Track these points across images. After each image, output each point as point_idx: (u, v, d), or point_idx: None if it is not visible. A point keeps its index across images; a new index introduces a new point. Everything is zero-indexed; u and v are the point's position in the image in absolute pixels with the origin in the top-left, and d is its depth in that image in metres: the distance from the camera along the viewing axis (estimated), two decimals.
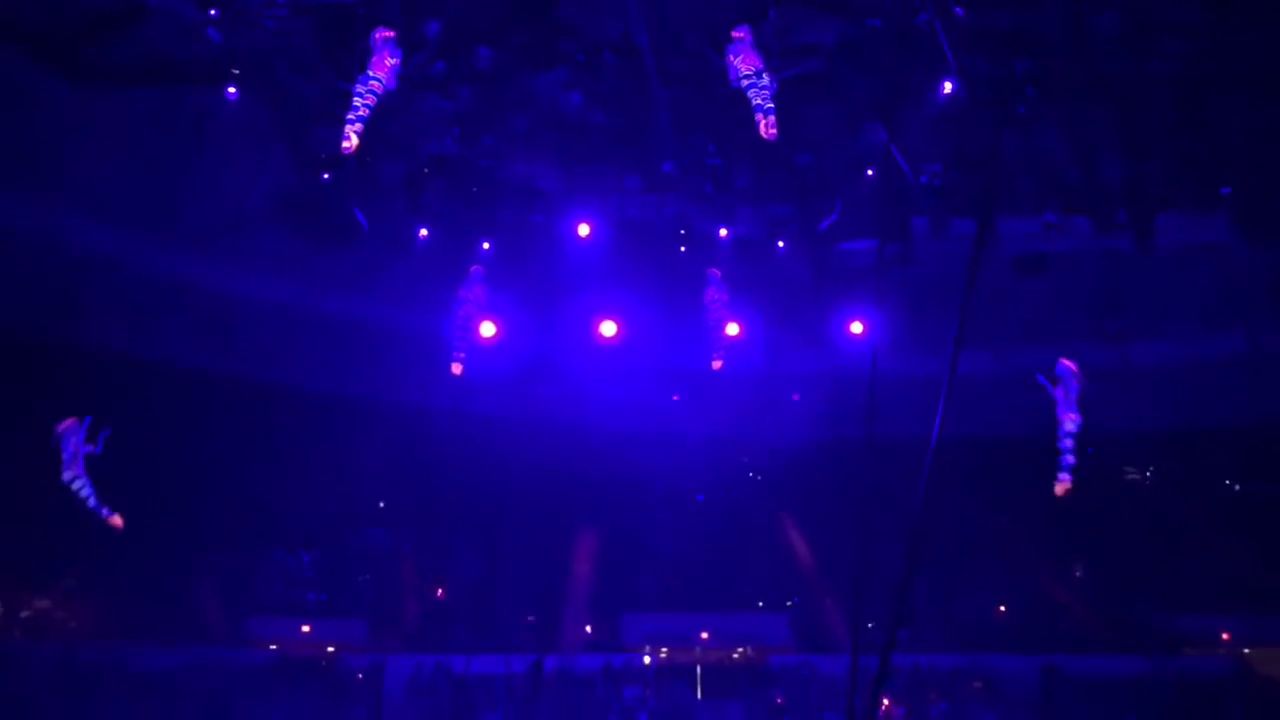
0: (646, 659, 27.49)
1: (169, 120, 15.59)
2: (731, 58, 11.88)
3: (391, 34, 11.39)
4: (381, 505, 29.38)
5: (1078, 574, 28.07)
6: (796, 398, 23.23)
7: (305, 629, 28.54)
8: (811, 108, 14.63)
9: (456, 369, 16.46)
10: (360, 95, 10.94)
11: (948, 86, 14.25)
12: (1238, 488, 27.14)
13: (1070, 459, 14.14)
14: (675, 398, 22.02)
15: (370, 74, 11.14)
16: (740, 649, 28.87)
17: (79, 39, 13.88)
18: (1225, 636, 27.49)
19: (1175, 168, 16.34)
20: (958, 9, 12.95)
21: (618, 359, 19.25)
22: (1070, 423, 14.49)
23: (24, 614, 27.38)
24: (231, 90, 14.07)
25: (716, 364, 16.32)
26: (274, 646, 27.88)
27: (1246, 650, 27.22)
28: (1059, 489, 14.02)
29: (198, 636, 26.94)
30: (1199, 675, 26.13)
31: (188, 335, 20.99)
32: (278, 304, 19.53)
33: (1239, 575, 25.74)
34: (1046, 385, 14.69)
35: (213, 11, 12.71)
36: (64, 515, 24.02)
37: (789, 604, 30.09)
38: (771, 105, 11.45)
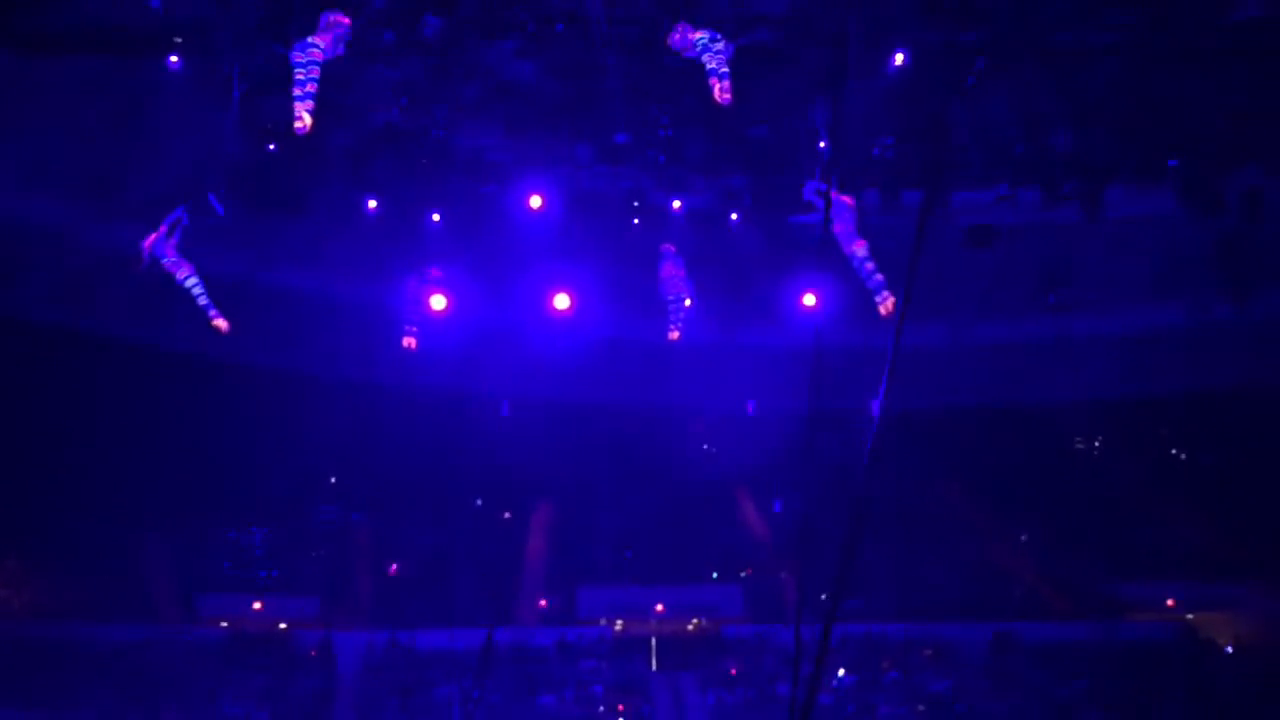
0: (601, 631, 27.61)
1: (110, 90, 15.27)
2: (682, 28, 11.82)
3: (344, 20, 11.19)
4: (333, 481, 29.23)
5: (1026, 542, 28.43)
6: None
7: (257, 606, 28.40)
8: (763, 79, 14.58)
9: (409, 343, 16.30)
10: (304, 67, 10.75)
11: (899, 58, 14.23)
12: (1183, 456, 27.55)
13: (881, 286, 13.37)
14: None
15: (309, 41, 10.95)
16: (695, 620, 29.04)
17: (17, 5, 13.56)
18: (1170, 602, 28.02)
19: (1122, 140, 16.40)
20: None
21: (571, 330, 19.16)
22: (861, 249, 13.62)
23: None
24: (174, 59, 13.79)
25: (673, 334, 16.26)
26: (225, 624, 27.74)
27: (1190, 615, 27.75)
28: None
29: (149, 614, 26.76)
30: (1145, 640, 26.63)
31: (131, 309, 20.63)
32: (223, 277, 19.17)
33: (1183, 542, 26.19)
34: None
35: None
36: (9, 492, 23.79)
37: (742, 575, 30.28)
38: (726, 70, 11.40)
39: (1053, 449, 27.03)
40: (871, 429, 12.48)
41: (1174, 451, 27.70)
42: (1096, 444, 28.44)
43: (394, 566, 28.81)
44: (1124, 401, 25.08)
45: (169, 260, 12.55)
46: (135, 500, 25.58)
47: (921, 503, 27.20)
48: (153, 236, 12.64)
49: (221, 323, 12.72)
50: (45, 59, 14.59)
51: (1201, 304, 21.71)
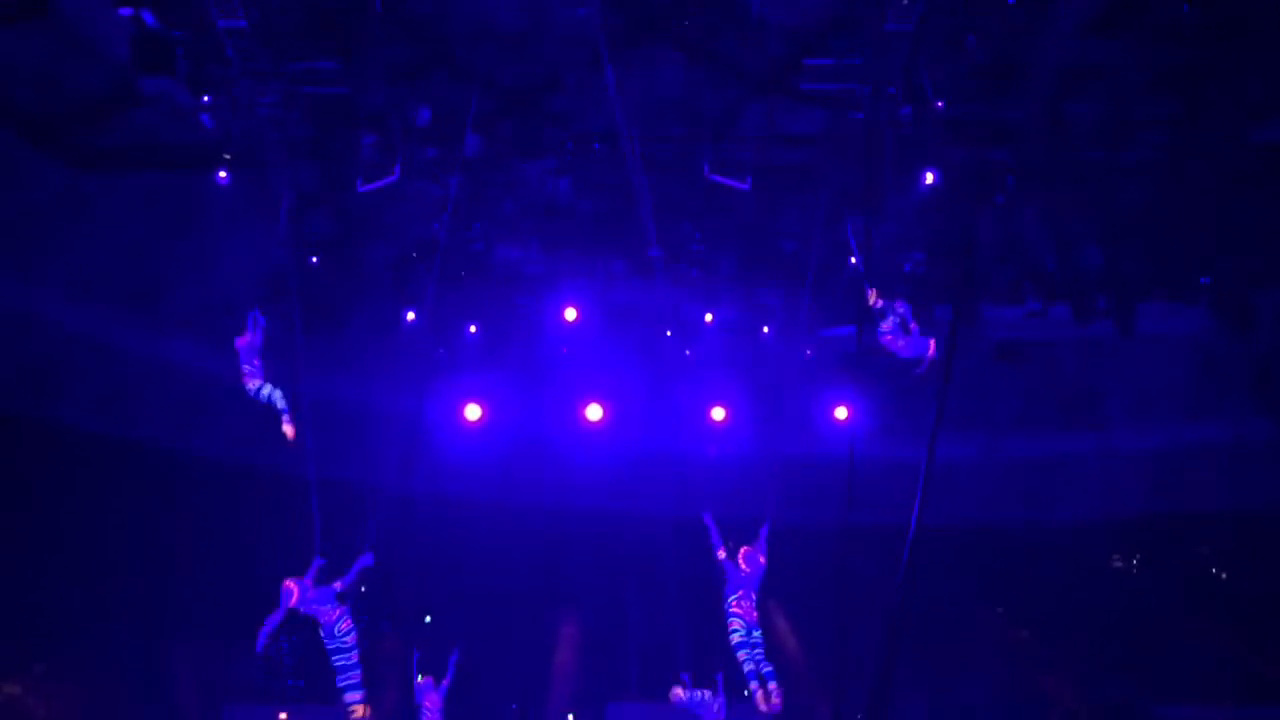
0: None
1: (158, 202, 15.74)
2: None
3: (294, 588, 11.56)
4: (363, 590, 29.16)
5: (1063, 663, 27.88)
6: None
7: (283, 717, 28.12)
8: (796, 196, 14.91)
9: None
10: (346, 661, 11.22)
11: (929, 177, 14.51)
12: (1223, 576, 27.11)
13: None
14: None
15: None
16: None
17: (71, 121, 14.07)
18: None
19: (1154, 256, 16.54)
20: (938, 102, 13.24)
21: (604, 442, 19.27)
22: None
23: None
24: (223, 175, 14.25)
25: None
26: None
27: None
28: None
29: None
30: None
31: (169, 416, 20.95)
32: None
33: (1224, 664, 25.64)
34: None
35: (206, 98, 12.91)
36: (36, 598, 23.88)
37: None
38: (771, 669, 11.82)
39: (1089, 568, 26.64)
40: (906, 545, 12.43)
41: (1214, 571, 27.24)
42: (1135, 563, 28.03)
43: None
44: (1162, 520, 24.80)
45: (249, 368, 12.47)
46: (165, 609, 25.57)
47: (956, 622, 26.82)
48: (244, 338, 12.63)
49: (289, 429, 12.58)
50: (97, 173, 15.07)
51: (1238, 422, 21.62)
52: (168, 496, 24.25)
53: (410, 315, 17.09)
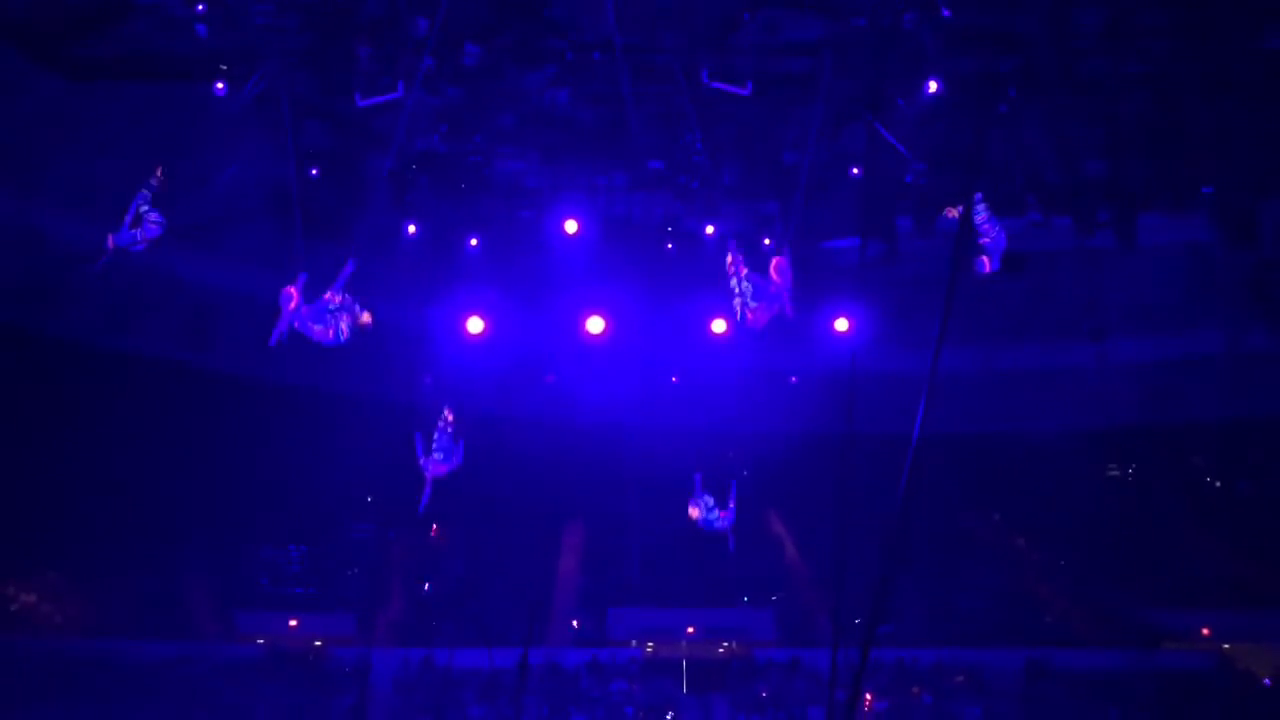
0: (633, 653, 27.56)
1: (155, 114, 15.53)
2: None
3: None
4: (369, 500, 29.38)
5: (1059, 569, 28.21)
6: (794, 380, 23.26)
7: (293, 623, 28.56)
8: (797, 106, 14.69)
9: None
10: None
11: (932, 86, 14.28)
12: (1218, 484, 27.29)
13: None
14: (674, 379, 22.01)
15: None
16: (726, 643, 28.96)
17: (65, 33, 13.81)
18: (1205, 632, 27.68)
19: (1156, 167, 16.36)
20: (944, 9, 12.96)
21: (605, 355, 19.26)
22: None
23: (12, 608, 27.35)
24: (219, 86, 14.04)
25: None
26: (261, 640, 27.91)
27: (1226, 645, 27.40)
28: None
29: (186, 631, 26.97)
30: (1180, 670, 26.32)
31: (172, 329, 20.93)
32: (263, 298, 19.45)
33: (1219, 571, 25.92)
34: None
35: (200, 7, 12.67)
36: (50, 509, 24.10)
37: (774, 599, 30.18)
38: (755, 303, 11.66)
39: (1087, 476, 26.83)
40: (908, 455, 12.46)
41: (1209, 480, 27.43)
42: (1130, 472, 28.20)
43: (427, 585, 28.87)
44: (1158, 429, 24.89)
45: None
46: (175, 517, 25.84)
47: (954, 529, 27.08)
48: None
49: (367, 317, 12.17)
50: (92, 85, 14.85)
51: (1236, 332, 21.59)
52: (175, 408, 24.38)
53: (411, 228, 16.96)
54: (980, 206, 12.74)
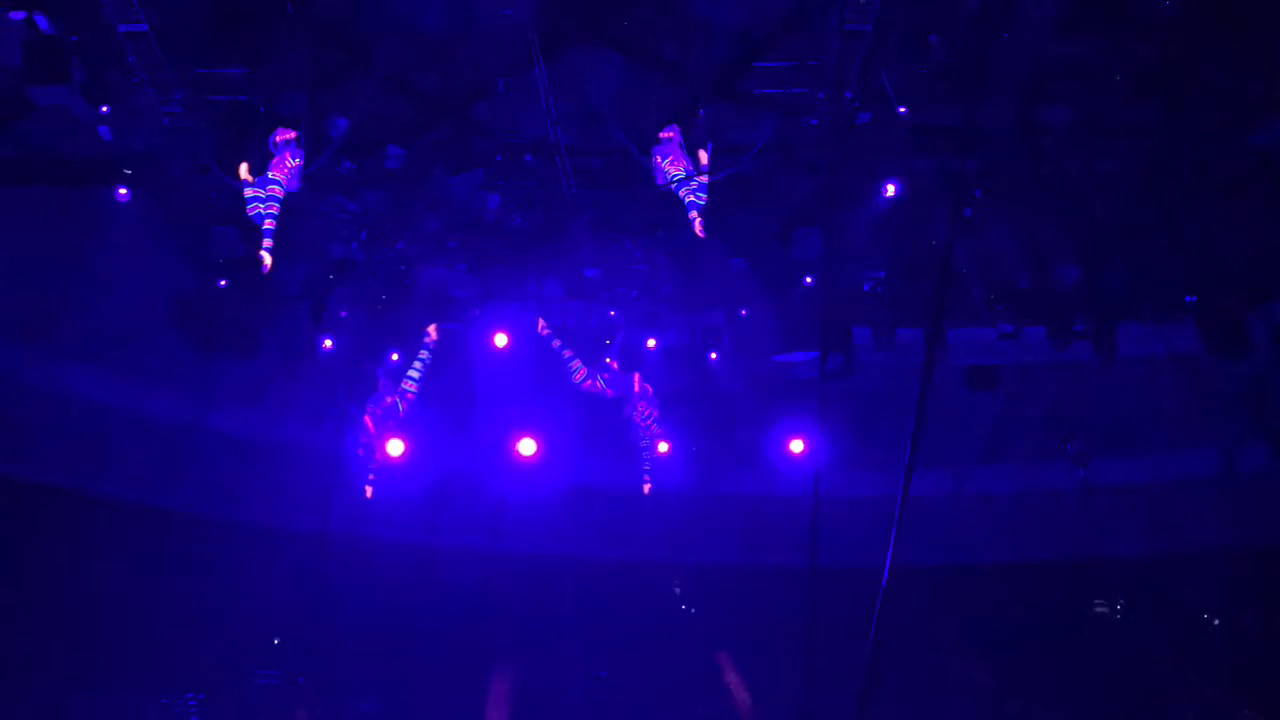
0: None
1: (54, 222, 15.76)
2: (659, 159, 12.41)
3: (292, 135, 11.77)
4: (276, 642, 29.02)
5: (1042, 713, 28.19)
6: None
7: None
8: (745, 210, 15.11)
9: (368, 491, 16.31)
10: (263, 203, 11.28)
11: (890, 189, 14.76)
12: (1216, 621, 27.48)
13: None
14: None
15: (270, 176, 11.50)
16: None
17: None
18: None
19: (1136, 274, 16.70)
20: (900, 106, 13.46)
21: (538, 478, 19.38)
22: None
23: None
24: (123, 191, 14.33)
25: (646, 487, 16.50)
26: None
27: None
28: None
29: None
30: None
31: (64, 453, 20.87)
32: (164, 419, 19.54)
33: (1219, 714, 25.99)
34: None
35: (104, 108, 13.00)
36: None
37: None
38: (702, 202, 11.96)
39: (1071, 611, 27.01)
40: (880, 589, 12.58)
41: (1205, 615, 27.62)
42: (1119, 606, 28.39)
43: None
44: (1147, 559, 25.11)
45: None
46: (62, 662, 25.38)
47: (929, 670, 27.06)
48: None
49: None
50: None
51: (1232, 451, 21.89)
52: (64, 540, 24.11)
53: (327, 342, 17.17)
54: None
